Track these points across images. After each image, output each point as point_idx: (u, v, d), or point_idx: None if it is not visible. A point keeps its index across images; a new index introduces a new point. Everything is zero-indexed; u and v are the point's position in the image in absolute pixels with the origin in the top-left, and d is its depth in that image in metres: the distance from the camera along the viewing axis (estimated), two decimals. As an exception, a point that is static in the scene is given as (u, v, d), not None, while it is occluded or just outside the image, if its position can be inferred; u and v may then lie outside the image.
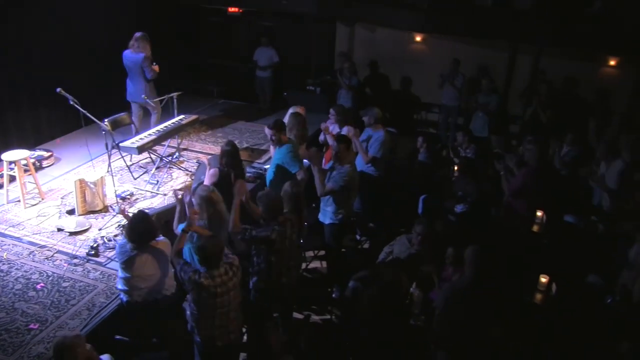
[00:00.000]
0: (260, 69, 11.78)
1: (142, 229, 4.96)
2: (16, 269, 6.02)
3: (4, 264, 6.07)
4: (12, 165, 7.27)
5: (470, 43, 10.97)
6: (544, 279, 5.69)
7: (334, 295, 6.59)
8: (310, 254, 7.15)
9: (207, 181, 6.18)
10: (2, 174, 7.42)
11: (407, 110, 12.24)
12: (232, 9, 12.06)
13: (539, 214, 6.78)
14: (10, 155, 7.23)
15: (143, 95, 8.70)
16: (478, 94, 10.05)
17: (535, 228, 6.83)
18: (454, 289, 4.79)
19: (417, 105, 12.17)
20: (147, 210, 5.93)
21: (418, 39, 11.73)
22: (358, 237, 7.41)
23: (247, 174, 7.42)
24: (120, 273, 5.08)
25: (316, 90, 11.66)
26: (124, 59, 8.84)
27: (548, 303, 5.61)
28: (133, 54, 8.70)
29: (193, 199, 5.36)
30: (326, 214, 6.42)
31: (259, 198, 5.18)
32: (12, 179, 7.42)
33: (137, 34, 8.69)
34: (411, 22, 10.14)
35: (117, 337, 5.24)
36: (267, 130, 6.73)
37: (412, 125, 12.07)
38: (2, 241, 6.52)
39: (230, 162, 6.27)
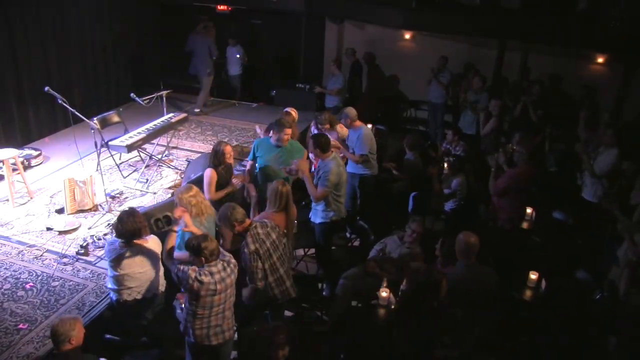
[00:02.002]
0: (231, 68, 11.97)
1: (130, 225, 4.90)
2: (5, 268, 5.96)
3: (-7, 264, 6.02)
4: (0, 165, 7.19)
5: (458, 40, 11.00)
6: (533, 276, 5.72)
7: (324, 293, 6.58)
8: (300, 252, 7.13)
9: (206, 183, 6.16)
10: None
11: (396, 108, 12.26)
12: (221, 7, 12.01)
13: (528, 211, 6.81)
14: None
15: (208, 70, 10.75)
16: (468, 91, 10.06)
17: (524, 225, 6.86)
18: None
19: (405, 103, 12.19)
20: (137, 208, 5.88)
21: (407, 36, 11.74)
22: (348, 234, 7.40)
23: (237, 172, 7.38)
24: (109, 272, 5.03)
25: (305, 88, 11.64)
26: (190, 40, 10.99)
27: (537, 299, 5.63)
28: (202, 37, 10.92)
29: (177, 200, 5.30)
30: (317, 213, 6.40)
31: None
32: (0, 178, 7.33)
33: (205, 22, 11.35)
34: (399, 19, 10.15)
35: (107, 336, 5.19)
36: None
37: (401, 122, 12.10)
38: (-11, 241, 6.46)
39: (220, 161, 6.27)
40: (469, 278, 4.77)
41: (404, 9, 9.95)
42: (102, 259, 6.15)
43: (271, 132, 6.59)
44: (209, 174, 6.14)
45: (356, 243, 7.42)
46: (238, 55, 11.77)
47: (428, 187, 8.10)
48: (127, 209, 5.18)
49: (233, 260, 4.62)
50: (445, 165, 7.93)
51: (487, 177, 7.36)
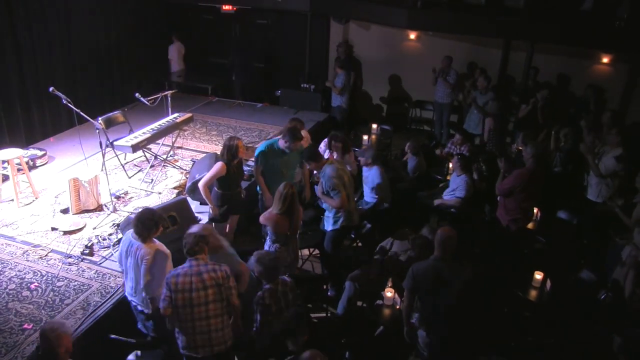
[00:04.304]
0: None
1: (151, 222, 4.90)
2: (10, 268, 5.96)
3: (0, 263, 6.04)
4: (5, 165, 7.20)
5: (463, 40, 10.98)
6: (538, 276, 5.71)
7: (329, 294, 6.58)
8: (306, 252, 7.14)
9: (211, 174, 6.17)
10: (-3, 173, 7.38)
11: (401, 108, 12.25)
12: (225, 7, 12.02)
13: (533, 211, 6.80)
14: (3, 154, 7.17)
15: None
16: (473, 92, 10.04)
17: (529, 225, 6.85)
18: (418, 266, 4.78)
19: (410, 103, 12.17)
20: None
21: (412, 36, 11.72)
22: (352, 235, 7.39)
23: (244, 172, 7.38)
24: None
25: (310, 88, 11.64)
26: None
27: (542, 299, 5.62)
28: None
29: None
30: (328, 220, 6.43)
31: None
32: (5, 178, 7.35)
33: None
34: (404, 19, 10.13)
35: (112, 336, 5.20)
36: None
37: (406, 122, 12.08)
38: (-5, 241, 6.48)
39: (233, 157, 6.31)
40: (434, 271, 4.73)
41: (409, 9, 9.93)
42: (106, 259, 6.16)
43: (282, 137, 6.59)
44: (218, 167, 6.18)
45: (360, 244, 7.42)
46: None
47: (432, 186, 8.11)
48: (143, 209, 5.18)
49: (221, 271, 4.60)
50: (450, 165, 7.93)
51: (492, 177, 7.36)
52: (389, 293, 5.49)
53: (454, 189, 7.46)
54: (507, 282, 5.93)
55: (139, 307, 5.04)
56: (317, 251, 7.04)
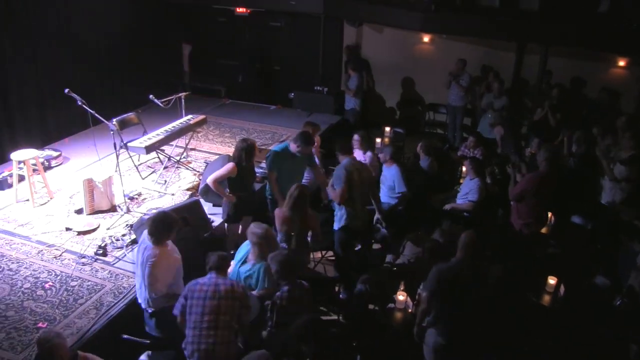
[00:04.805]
0: None
1: (164, 225, 4.98)
2: (25, 267, 6.04)
3: (13, 263, 6.09)
4: (21, 165, 7.28)
5: (476, 43, 10.95)
6: (552, 281, 5.68)
7: (341, 296, 6.58)
8: (318, 255, 7.15)
9: (221, 172, 6.21)
10: (12, 173, 7.45)
11: (414, 110, 12.24)
12: (239, 10, 12.08)
13: (546, 215, 6.77)
14: (19, 154, 7.25)
15: None
16: (487, 95, 10.01)
17: (543, 230, 6.81)
18: (442, 268, 4.77)
19: (423, 106, 12.16)
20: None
21: (425, 39, 11.71)
22: (365, 239, 7.40)
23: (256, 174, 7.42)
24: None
25: (323, 91, 11.66)
26: None
27: (556, 304, 5.59)
28: None
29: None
30: (335, 218, 6.44)
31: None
32: (21, 178, 7.42)
33: None
34: (417, 22, 10.12)
35: (125, 336, 5.24)
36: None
37: (419, 125, 12.07)
38: (10, 240, 6.55)
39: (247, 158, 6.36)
40: (455, 274, 4.73)
41: (423, 12, 9.92)
42: (120, 259, 6.21)
43: (294, 141, 6.61)
44: (229, 167, 6.24)
45: (375, 246, 7.43)
46: None
47: (445, 190, 8.09)
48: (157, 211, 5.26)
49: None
50: (463, 168, 7.91)
51: (505, 181, 7.33)
52: (401, 296, 5.49)
53: (467, 192, 7.44)
54: (518, 286, 5.91)
55: (142, 305, 5.10)
56: (330, 253, 7.05)
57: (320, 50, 11.82)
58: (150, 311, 5.09)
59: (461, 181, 8.00)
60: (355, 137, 7.88)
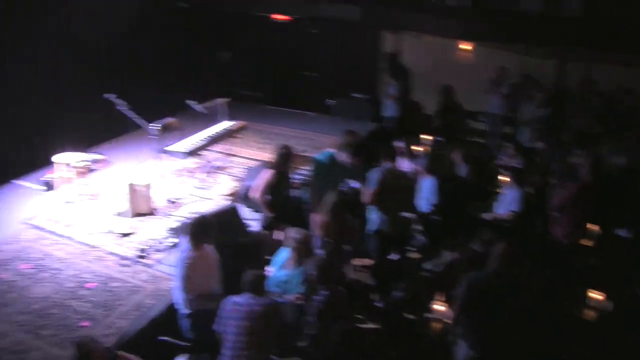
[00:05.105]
0: None
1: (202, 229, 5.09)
2: (69, 267, 6.22)
3: (58, 262, 6.28)
4: (67, 168, 7.51)
5: (517, 51, 10.82)
6: (594, 295, 5.57)
7: (377, 304, 6.56)
8: (357, 262, 7.16)
9: (261, 181, 6.29)
10: (58, 175, 7.67)
11: (453, 119, 12.13)
12: (277, 16, 12.20)
13: (591, 227, 6.65)
14: (65, 157, 7.49)
15: None
16: (528, 104, 9.89)
17: (584, 241, 6.70)
18: (472, 277, 4.73)
19: (462, 114, 12.05)
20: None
21: (465, 46, 11.63)
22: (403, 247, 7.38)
23: (293, 180, 7.49)
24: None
25: (361, 98, 11.66)
26: None
27: (599, 319, 5.49)
28: None
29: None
30: (370, 222, 6.46)
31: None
32: (66, 180, 7.64)
33: None
34: (457, 29, 10.07)
35: (162, 338, 5.34)
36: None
37: (459, 133, 11.95)
38: (56, 240, 6.75)
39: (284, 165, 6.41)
40: (488, 284, 4.69)
41: (462, 19, 9.86)
42: (160, 262, 6.34)
43: (343, 151, 6.67)
44: (267, 175, 6.31)
45: (412, 254, 7.40)
46: None
47: (485, 199, 8.01)
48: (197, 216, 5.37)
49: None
50: (503, 177, 7.82)
51: (545, 191, 7.23)
52: (437, 306, 5.46)
53: (507, 202, 7.36)
54: (557, 295, 5.82)
55: (176, 306, 5.20)
56: (368, 261, 7.05)
57: (358, 56, 11.84)
58: (185, 313, 5.18)
59: (501, 190, 7.90)
60: (399, 144, 7.86)
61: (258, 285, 4.81)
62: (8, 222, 7.15)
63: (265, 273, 5.32)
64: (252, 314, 4.62)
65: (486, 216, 7.49)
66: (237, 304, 4.68)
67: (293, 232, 5.44)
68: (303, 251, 5.35)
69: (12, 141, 8.45)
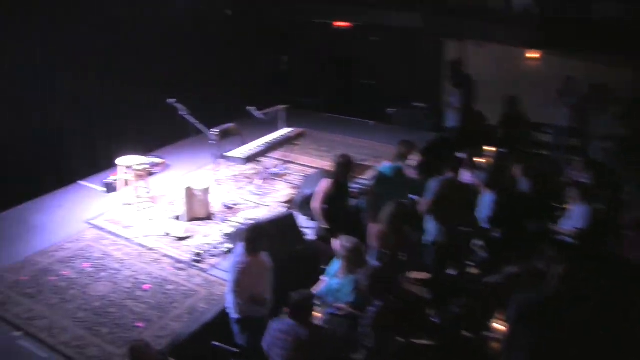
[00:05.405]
0: None
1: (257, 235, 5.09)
2: (127, 268, 6.36)
3: (116, 263, 6.42)
4: (128, 170, 7.69)
5: (587, 60, 10.42)
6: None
7: (433, 320, 6.41)
8: (413, 275, 7.02)
9: (320, 191, 6.27)
10: (118, 178, 7.87)
11: (517, 130, 11.82)
12: (339, 24, 12.19)
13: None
14: (125, 160, 7.68)
15: None
16: (599, 116, 9.50)
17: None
18: (525, 298, 4.53)
19: (527, 125, 11.72)
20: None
21: (531, 55, 11.30)
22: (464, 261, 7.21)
23: (351, 189, 7.43)
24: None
25: (422, 107, 11.51)
26: None
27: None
28: None
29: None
30: (427, 232, 6.33)
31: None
32: (126, 183, 7.84)
33: None
34: (522, 37, 9.78)
35: (215, 343, 5.35)
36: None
37: (523, 145, 11.63)
38: (115, 241, 6.92)
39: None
40: (542, 304, 4.47)
41: (529, 27, 9.57)
42: (215, 267, 6.38)
43: (413, 168, 6.74)
44: (325, 184, 6.27)
45: (471, 269, 7.21)
46: None
47: (549, 214, 7.74)
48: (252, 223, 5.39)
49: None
50: (570, 193, 7.52)
51: (617, 208, 6.91)
52: (496, 324, 5.28)
53: (573, 218, 7.08)
54: (623, 313, 5.52)
55: (227, 310, 5.19)
56: (425, 274, 6.91)
57: (419, 65, 11.70)
58: (235, 317, 5.18)
59: (566, 206, 7.61)
60: (463, 156, 7.69)
61: (305, 309, 4.67)
62: (72, 222, 7.42)
63: (314, 292, 5.24)
64: (297, 343, 4.49)
65: (549, 233, 7.22)
66: (282, 331, 4.56)
67: (344, 240, 5.37)
68: (353, 260, 5.27)
69: (79, 144, 8.74)
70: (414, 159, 7.41)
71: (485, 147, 9.67)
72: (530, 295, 4.57)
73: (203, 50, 10.70)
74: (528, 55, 11.27)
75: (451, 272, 6.81)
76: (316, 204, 6.33)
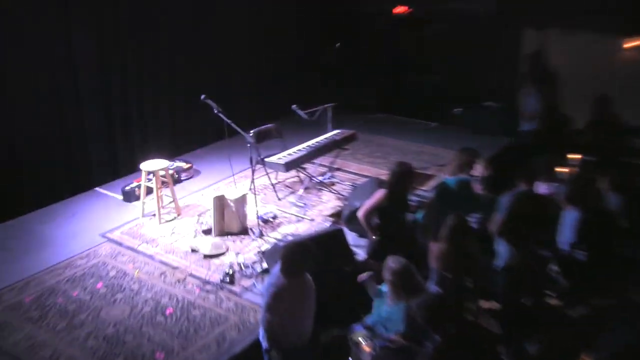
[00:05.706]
0: None
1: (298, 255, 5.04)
2: (146, 289, 6.43)
3: (134, 283, 6.48)
4: (150, 177, 7.79)
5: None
6: None
7: (502, 357, 6.28)
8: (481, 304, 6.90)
9: (371, 202, 6.21)
10: (140, 184, 7.97)
11: (608, 135, 11.55)
12: (398, 10, 12.14)
13: None
14: (149, 165, 7.77)
15: None
16: None
17: None
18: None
19: (620, 129, 11.44)
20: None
21: (628, 45, 11.04)
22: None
23: (410, 203, 7.35)
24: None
25: (494, 107, 11.35)
26: None
27: None
28: None
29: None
30: (498, 256, 6.20)
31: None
32: (149, 191, 7.94)
33: None
34: (617, 25, 9.56)
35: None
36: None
37: (617, 153, 11.35)
38: (134, 257, 6.99)
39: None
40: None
41: (626, 12, 9.35)
42: (248, 290, 6.37)
43: (478, 182, 6.61)
44: (380, 196, 6.24)
45: (550, 300, 7.05)
46: None
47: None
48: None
49: None
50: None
51: None
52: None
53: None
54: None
55: (261, 340, 5.16)
56: (495, 304, 6.79)
57: (491, 58, 11.55)
58: (267, 348, 5.13)
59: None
60: (539, 164, 7.53)
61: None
62: (85, 234, 7.57)
63: (350, 332, 5.20)
64: None
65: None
66: None
67: (390, 261, 5.27)
68: (400, 284, 5.17)
69: (99, 146, 8.92)
70: (477, 171, 7.29)
71: (568, 155, 9.48)
72: (626, 334, 4.43)
73: (241, 43, 10.79)
74: (625, 45, 11.02)
75: (526, 302, 6.67)
76: (361, 213, 6.27)
